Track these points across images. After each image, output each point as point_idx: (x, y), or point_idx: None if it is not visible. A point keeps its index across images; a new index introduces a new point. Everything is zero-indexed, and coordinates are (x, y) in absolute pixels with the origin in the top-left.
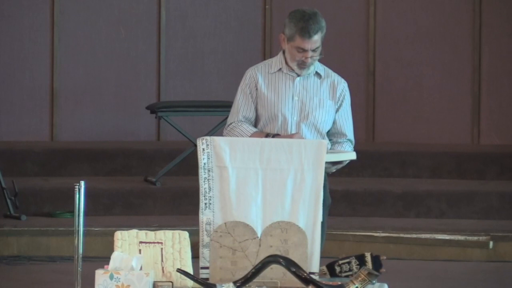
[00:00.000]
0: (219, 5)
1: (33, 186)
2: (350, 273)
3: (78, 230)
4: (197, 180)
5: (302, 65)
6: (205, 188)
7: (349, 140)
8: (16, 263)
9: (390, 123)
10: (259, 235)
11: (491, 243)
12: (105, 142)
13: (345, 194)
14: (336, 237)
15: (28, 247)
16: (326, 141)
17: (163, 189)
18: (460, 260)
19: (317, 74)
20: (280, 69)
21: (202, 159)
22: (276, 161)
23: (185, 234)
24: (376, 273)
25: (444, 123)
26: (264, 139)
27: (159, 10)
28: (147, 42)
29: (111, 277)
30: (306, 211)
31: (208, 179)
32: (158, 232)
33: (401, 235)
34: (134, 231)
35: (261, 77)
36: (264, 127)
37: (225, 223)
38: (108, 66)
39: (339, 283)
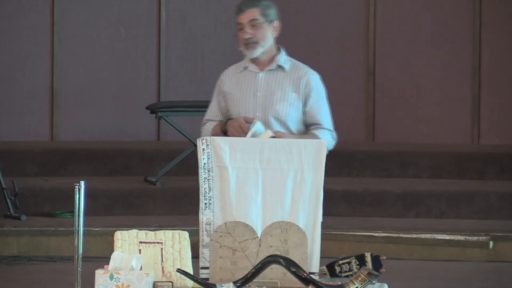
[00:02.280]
0: (219, 5)
1: (33, 186)
2: (350, 273)
3: (78, 230)
4: (197, 180)
5: (246, 45)
6: (205, 188)
7: (326, 128)
8: (16, 263)
9: (390, 123)
10: (259, 235)
11: (491, 243)
12: (105, 142)
13: (345, 194)
14: (336, 237)
15: (28, 247)
16: (326, 141)
17: (163, 189)
18: (460, 260)
19: (281, 67)
20: (245, 67)
21: (202, 159)
22: (276, 161)
23: (185, 234)
24: (376, 273)
25: (444, 123)
26: (264, 139)
27: (159, 10)
28: (147, 42)
29: (111, 277)
30: (306, 211)
31: (208, 179)
32: (158, 232)
33: (401, 235)
34: (134, 231)
35: (228, 78)
36: None
37: (225, 223)
38: (108, 66)
39: (339, 283)
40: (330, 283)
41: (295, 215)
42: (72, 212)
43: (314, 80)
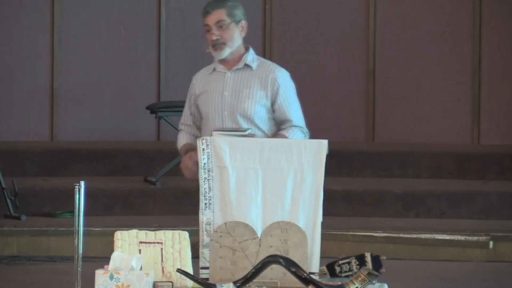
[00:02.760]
0: None
1: (33, 186)
2: (350, 273)
3: (78, 230)
4: (197, 180)
5: (214, 46)
6: (205, 188)
7: (296, 125)
8: (16, 263)
9: (390, 123)
10: (259, 235)
11: (491, 243)
12: (105, 142)
13: (345, 194)
14: (336, 237)
15: (28, 247)
16: (326, 141)
17: (163, 189)
18: (460, 260)
19: (248, 66)
20: (214, 69)
21: (202, 159)
22: (276, 161)
23: (185, 234)
24: (376, 273)
25: (444, 123)
26: (264, 139)
27: (159, 10)
28: (147, 42)
29: (111, 277)
30: (306, 211)
31: (208, 179)
32: (158, 232)
33: (401, 235)
34: (134, 231)
35: (198, 81)
36: (204, 126)
37: (225, 223)
38: (108, 66)
39: (339, 283)
40: (330, 283)
41: (295, 215)
42: (72, 212)
43: (281, 77)
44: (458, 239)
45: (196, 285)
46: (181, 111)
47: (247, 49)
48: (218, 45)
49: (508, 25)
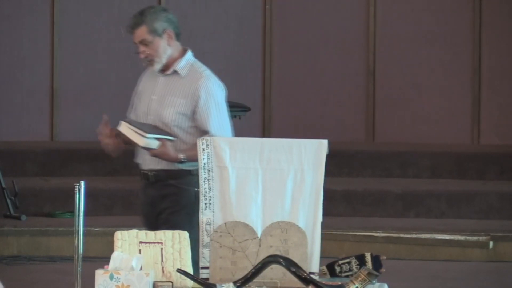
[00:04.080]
0: (219, 5)
1: (33, 186)
2: (350, 273)
3: (78, 230)
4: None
5: (144, 61)
6: (205, 188)
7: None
8: (16, 263)
9: (390, 123)
10: (259, 235)
11: (491, 243)
12: None
13: (345, 194)
14: (336, 237)
15: (28, 247)
16: (326, 141)
17: None
18: (460, 260)
19: (176, 72)
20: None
21: (202, 159)
22: (276, 161)
23: (185, 234)
24: (376, 273)
25: (444, 123)
26: (264, 139)
27: None
28: None
29: (111, 277)
30: (306, 211)
31: (208, 179)
32: (158, 232)
33: (401, 235)
34: (134, 231)
35: (143, 78)
36: None
37: (225, 223)
38: (108, 66)
39: (339, 283)
40: (330, 283)
41: (295, 215)
42: (72, 212)
43: (203, 87)
44: (458, 239)
45: (196, 285)
46: None
47: (184, 52)
48: (149, 61)
49: (508, 25)
